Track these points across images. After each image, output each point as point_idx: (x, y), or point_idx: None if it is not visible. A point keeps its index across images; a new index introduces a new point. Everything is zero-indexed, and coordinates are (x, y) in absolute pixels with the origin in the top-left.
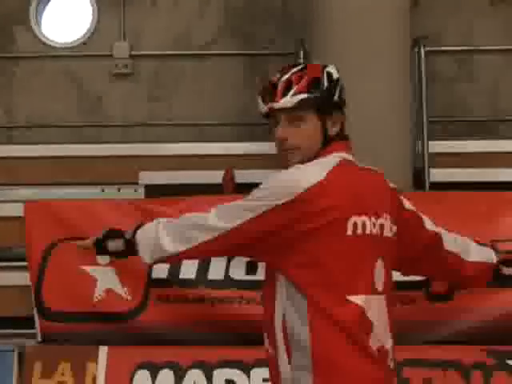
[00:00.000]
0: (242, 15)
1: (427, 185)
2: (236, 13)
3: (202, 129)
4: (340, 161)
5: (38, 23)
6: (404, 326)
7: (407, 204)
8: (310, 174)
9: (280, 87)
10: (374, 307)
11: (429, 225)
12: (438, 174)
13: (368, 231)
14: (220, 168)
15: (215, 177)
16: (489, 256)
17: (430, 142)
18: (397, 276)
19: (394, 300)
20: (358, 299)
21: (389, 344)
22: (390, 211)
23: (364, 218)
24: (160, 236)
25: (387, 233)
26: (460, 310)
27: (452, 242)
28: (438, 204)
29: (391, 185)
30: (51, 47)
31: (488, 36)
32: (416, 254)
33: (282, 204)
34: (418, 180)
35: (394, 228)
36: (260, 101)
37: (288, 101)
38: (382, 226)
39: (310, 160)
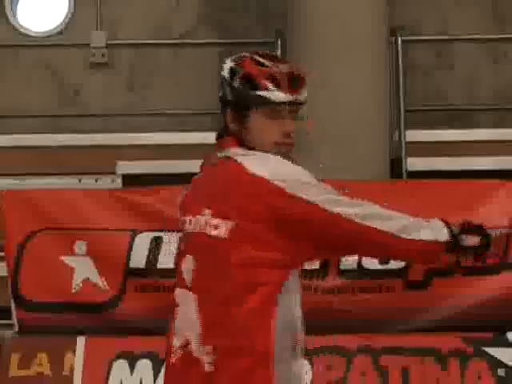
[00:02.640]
0: (220, 5)
1: (404, 174)
2: (214, 2)
3: (181, 118)
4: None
5: (14, 12)
6: (382, 314)
7: (300, 194)
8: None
9: (300, 79)
10: (182, 302)
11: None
12: (415, 163)
13: (186, 228)
14: (199, 157)
15: (193, 166)
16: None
17: (407, 132)
18: (375, 264)
19: (213, 301)
20: (176, 292)
21: (195, 343)
22: (227, 206)
23: (188, 216)
24: None
25: (208, 230)
26: (437, 297)
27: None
28: (416, 193)
29: (259, 175)
30: (27, 36)
31: (466, 25)
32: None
33: None
34: (396, 169)
35: (229, 224)
36: (273, 87)
37: (306, 95)
38: (198, 223)
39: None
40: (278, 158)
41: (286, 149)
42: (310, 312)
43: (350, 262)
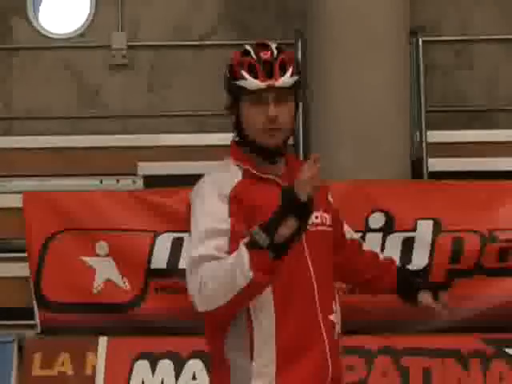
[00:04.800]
0: (241, 5)
1: (426, 175)
2: (234, 3)
3: (201, 119)
4: None
5: (36, 14)
6: (403, 315)
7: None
8: None
9: (277, 66)
10: None
11: None
12: (436, 164)
13: None
14: (219, 159)
15: (213, 167)
16: None
17: (428, 132)
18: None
19: None
20: None
21: None
22: None
23: None
24: None
25: None
26: (458, 298)
27: None
28: (437, 194)
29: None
30: (49, 38)
31: (486, 25)
32: None
33: None
34: (417, 170)
35: None
36: (248, 75)
37: (287, 80)
38: None
39: (285, 142)
40: (215, 169)
41: (273, 132)
42: None
43: None
